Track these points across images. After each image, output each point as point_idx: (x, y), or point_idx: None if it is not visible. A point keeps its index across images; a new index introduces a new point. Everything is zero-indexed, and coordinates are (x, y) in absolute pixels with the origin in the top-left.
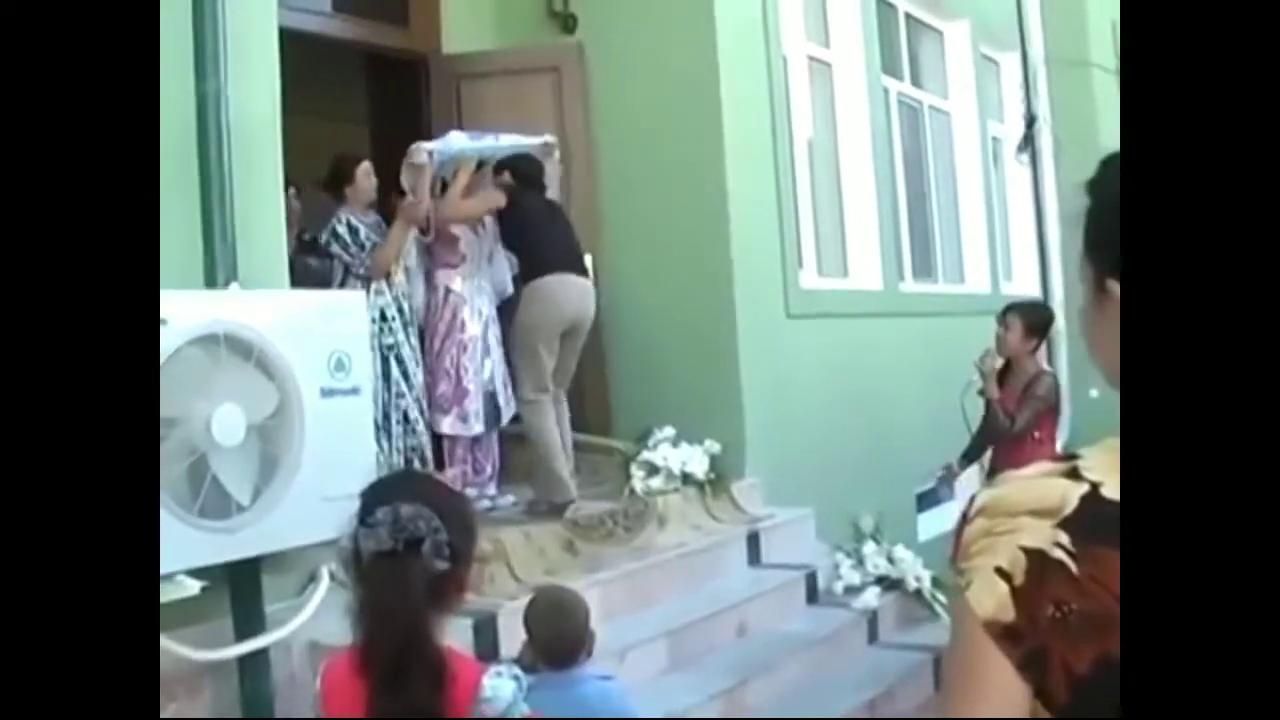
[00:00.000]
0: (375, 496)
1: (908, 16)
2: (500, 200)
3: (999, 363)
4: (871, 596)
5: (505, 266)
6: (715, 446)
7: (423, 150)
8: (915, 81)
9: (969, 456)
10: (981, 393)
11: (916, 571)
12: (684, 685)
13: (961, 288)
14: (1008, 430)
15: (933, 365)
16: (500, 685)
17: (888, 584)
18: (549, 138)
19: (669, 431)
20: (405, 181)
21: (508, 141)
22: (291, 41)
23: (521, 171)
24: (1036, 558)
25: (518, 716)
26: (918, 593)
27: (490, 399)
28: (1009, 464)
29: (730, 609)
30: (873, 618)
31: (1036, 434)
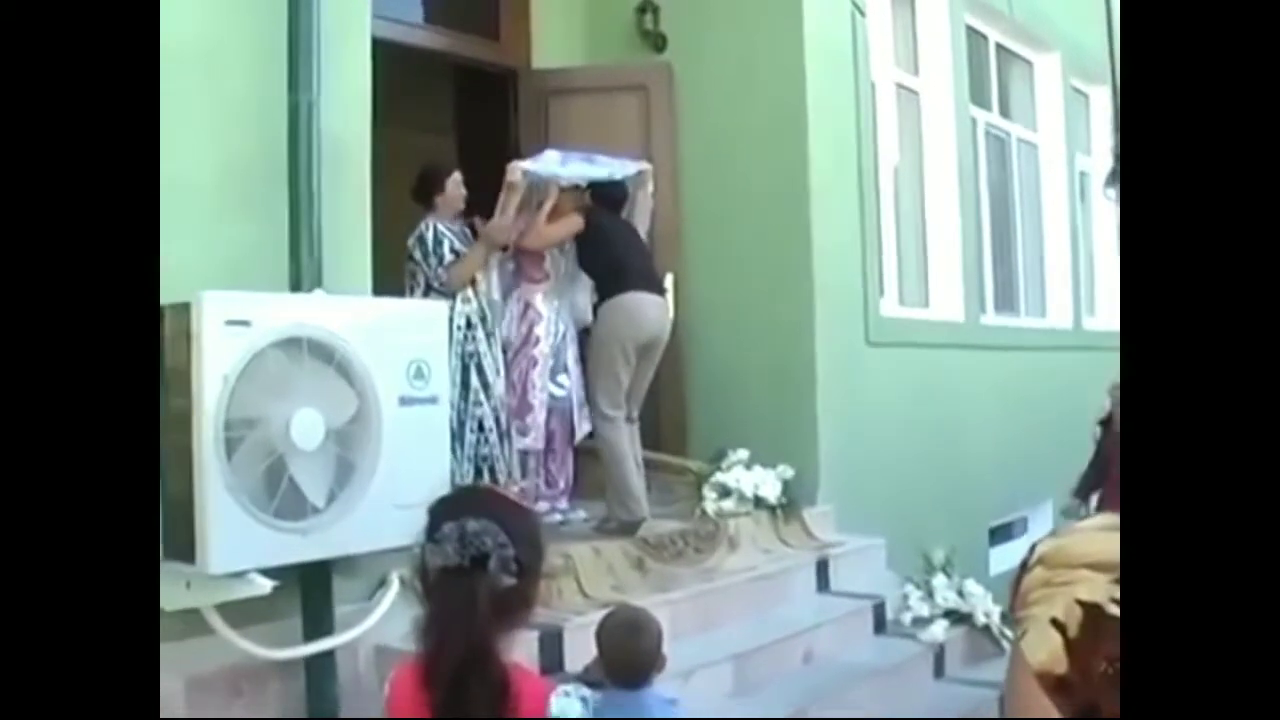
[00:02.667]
0: (443, 512)
1: (998, 47)
2: (579, 225)
3: None
4: (939, 629)
5: (587, 294)
6: (789, 471)
7: (518, 169)
8: (1004, 112)
9: (1085, 490)
10: (1103, 422)
11: (986, 607)
12: (748, 709)
13: (1043, 322)
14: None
15: (1011, 399)
16: (568, 705)
17: (956, 618)
18: (645, 165)
19: (743, 454)
20: (501, 198)
21: (603, 168)
22: (382, 52)
23: (602, 193)
24: (1093, 612)
25: None
26: (986, 628)
27: (565, 416)
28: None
29: (797, 635)
30: (940, 651)
31: None
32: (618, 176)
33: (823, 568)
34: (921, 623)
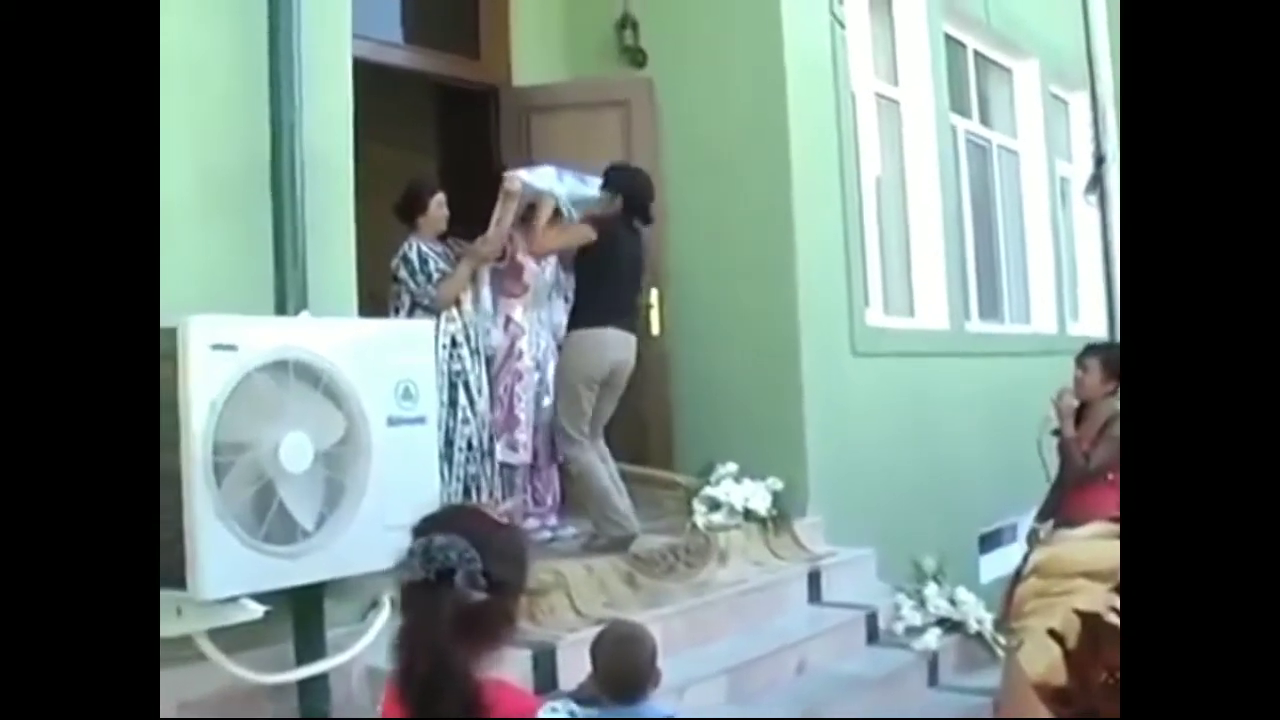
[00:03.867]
0: (419, 529)
1: (977, 55)
2: (590, 235)
3: (1075, 403)
4: (932, 638)
5: (563, 309)
6: (778, 483)
7: (517, 179)
8: (984, 120)
9: (1047, 513)
10: (1056, 432)
11: (978, 614)
12: None
13: (1028, 328)
14: (1083, 469)
15: (998, 406)
16: None
17: (949, 626)
18: None
19: (731, 467)
20: (497, 208)
21: (594, 190)
22: (363, 71)
23: (635, 203)
24: (1091, 621)
25: None
26: (979, 635)
27: (548, 430)
28: (1080, 507)
29: (790, 647)
30: (933, 659)
31: (1110, 476)
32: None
33: (814, 579)
34: (914, 631)
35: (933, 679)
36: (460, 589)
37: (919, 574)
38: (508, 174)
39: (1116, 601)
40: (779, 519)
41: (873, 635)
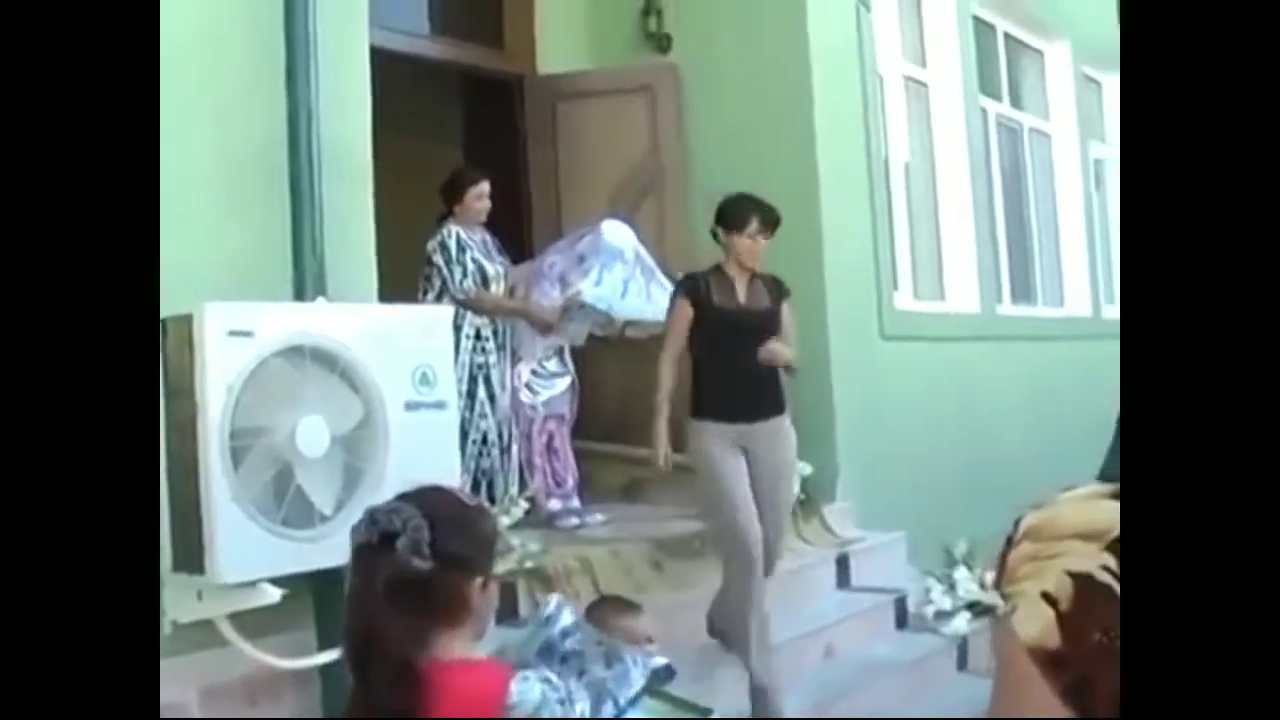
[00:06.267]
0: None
1: (1007, 36)
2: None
3: None
4: (962, 623)
5: (588, 324)
6: (807, 468)
7: (581, 296)
8: (1015, 103)
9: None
10: None
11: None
12: None
13: (1061, 311)
14: None
15: (1030, 389)
16: (526, 689)
17: (979, 610)
18: None
19: None
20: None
21: (649, 305)
22: (388, 62)
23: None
24: (1083, 582)
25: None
26: (993, 611)
27: (560, 420)
28: None
29: (818, 631)
30: (963, 644)
31: None
32: (647, 319)
33: (843, 563)
34: (944, 616)
35: (962, 663)
36: (401, 555)
37: (949, 559)
38: (574, 291)
39: (1109, 560)
40: (807, 504)
41: (902, 620)
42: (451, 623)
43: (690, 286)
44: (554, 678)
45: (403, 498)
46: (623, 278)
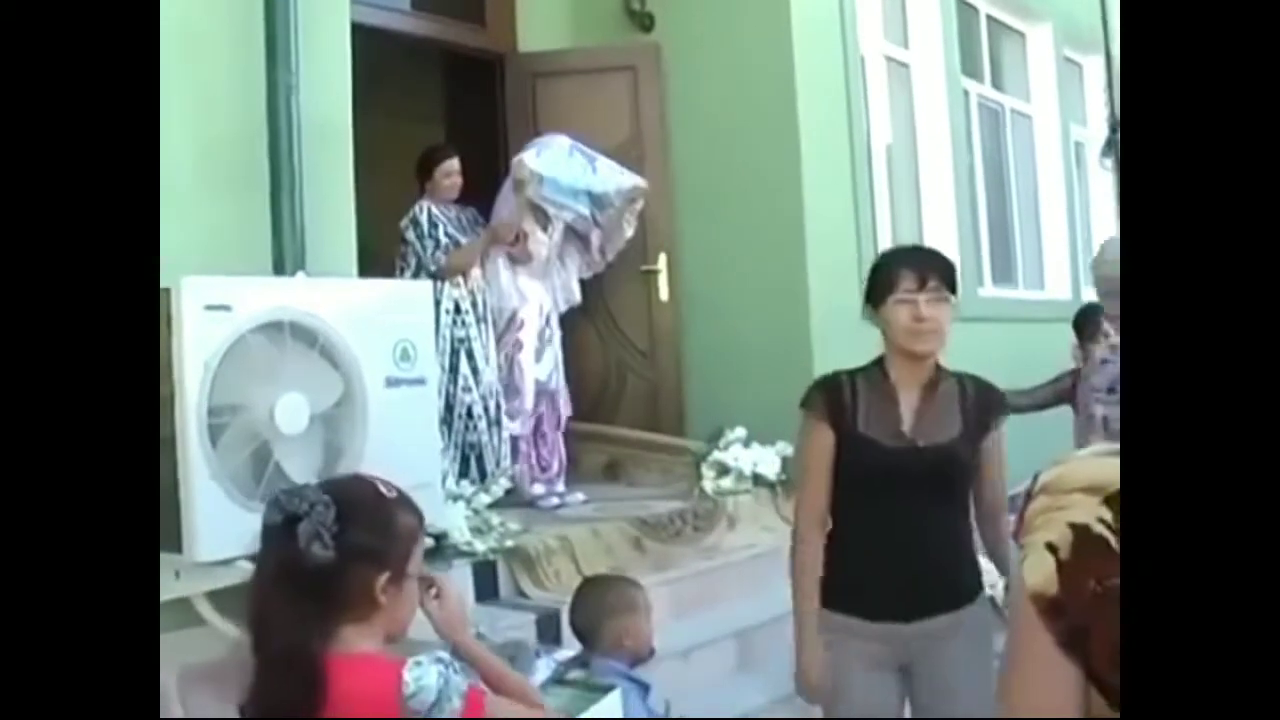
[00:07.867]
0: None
1: (989, 18)
2: None
3: None
4: None
5: (575, 273)
6: (787, 448)
7: (525, 166)
8: (996, 84)
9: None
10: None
11: (992, 578)
12: (751, 687)
13: (1042, 293)
14: None
15: (1011, 371)
16: (422, 674)
17: None
18: (641, 182)
19: (740, 432)
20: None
21: (600, 179)
22: (369, 39)
23: None
24: (1081, 533)
25: (455, 704)
26: (992, 600)
27: (551, 399)
28: None
29: None
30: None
31: None
32: (611, 190)
33: None
34: None
35: None
36: (301, 540)
37: None
38: (516, 160)
39: (1105, 513)
40: (788, 483)
41: None
42: (354, 617)
43: (828, 399)
44: (447, 656)
45: (322, 484)
46: (564, 151)
